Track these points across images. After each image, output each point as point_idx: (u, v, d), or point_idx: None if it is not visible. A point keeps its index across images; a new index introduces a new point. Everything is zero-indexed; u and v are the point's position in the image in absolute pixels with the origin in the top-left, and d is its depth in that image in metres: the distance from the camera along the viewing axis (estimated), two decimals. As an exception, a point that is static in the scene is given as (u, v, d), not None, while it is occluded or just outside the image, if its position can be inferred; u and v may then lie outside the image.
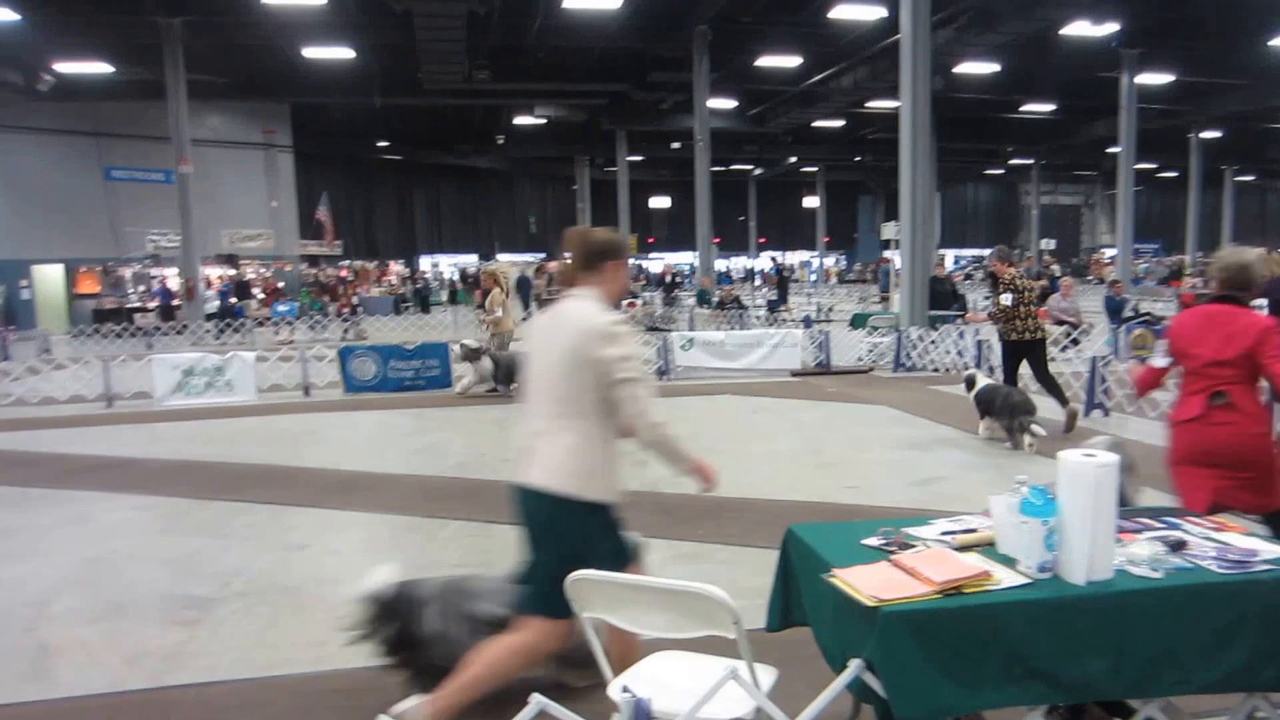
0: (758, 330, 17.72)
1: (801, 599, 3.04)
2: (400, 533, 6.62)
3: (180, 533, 6.74)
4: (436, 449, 9.56)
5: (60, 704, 4.14)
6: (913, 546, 2.82)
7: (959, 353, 14.13)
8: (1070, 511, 2.56)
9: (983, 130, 40.01)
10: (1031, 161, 49.50)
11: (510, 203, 52.87)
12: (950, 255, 31.19)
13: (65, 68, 25.51)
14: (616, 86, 31.17)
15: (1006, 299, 9.78)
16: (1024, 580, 2.55)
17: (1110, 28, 23.99)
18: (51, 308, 28.91)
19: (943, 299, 16.09)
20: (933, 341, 14.38)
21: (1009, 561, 2.66)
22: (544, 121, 37.66)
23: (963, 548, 2.80)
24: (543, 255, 49.89)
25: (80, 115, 29.03)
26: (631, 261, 42.51)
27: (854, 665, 2.45)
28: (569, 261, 3.39)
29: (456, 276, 44.35)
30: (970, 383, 9.62)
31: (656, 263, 52.15)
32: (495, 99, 33.18)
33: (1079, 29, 23.58)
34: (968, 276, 42.32)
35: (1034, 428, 8.76)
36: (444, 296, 39.18)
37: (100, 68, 25.18)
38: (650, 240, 54.71)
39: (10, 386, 14.11)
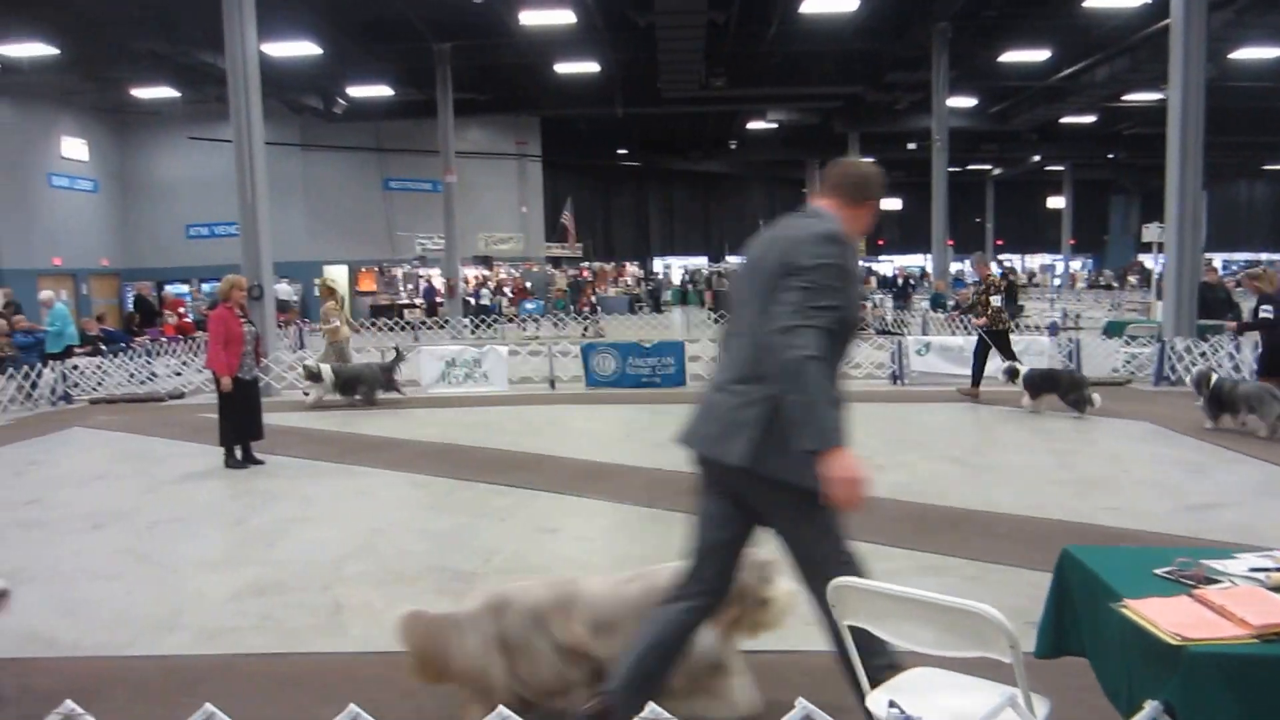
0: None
1: (1079, 627, 2.76)
2: (642, 522, 6.70)
3: (446, 510, 7.15)
4: (674, 444, 9.60)
5: (350, 657, 4.49)
6: (1217, 582, 2.48)
7: (1235, 366, 12.36)
8: None
9: (1261, 121, 35.67)
10: (1323, 154, 43.70)
11: (740, 206, 52.84)
12: (1218, 259, 28.11)
13: (355, 92, 27.96)
14: (850, 88, 30.37)
15: (997, 300, 12.15)
16: (1364, 631, 2.17)
17: None
18: (337, 303, 31.79)
19: (1215, 307, 14.43)
20: (1202, 353, 12.88)
21: (1341, 607, 2.28)
22: (775, 126, 37.37)
23: (1280, 588, 2.44)
24: (772, 258, 49.53)
25: (364, 133, 31.77)
26: (861, 264, 41.69)
27: (1150, 707, 2.17)
28: None
29: (687, 278, 44.93)
30: (1013, 373, 11.45)
31: (886, 265, 50.64)
32: (729, 105, 33.23)
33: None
34: (1239, 283, 37.92)
35: (1094, 396, 10.71)
36: (669, 296, 39.80)
37: (383, 91, 27.42)
38: (881, 242, 53.06)
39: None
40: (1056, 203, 51.21)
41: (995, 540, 5.98)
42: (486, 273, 33.57)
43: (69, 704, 2.35)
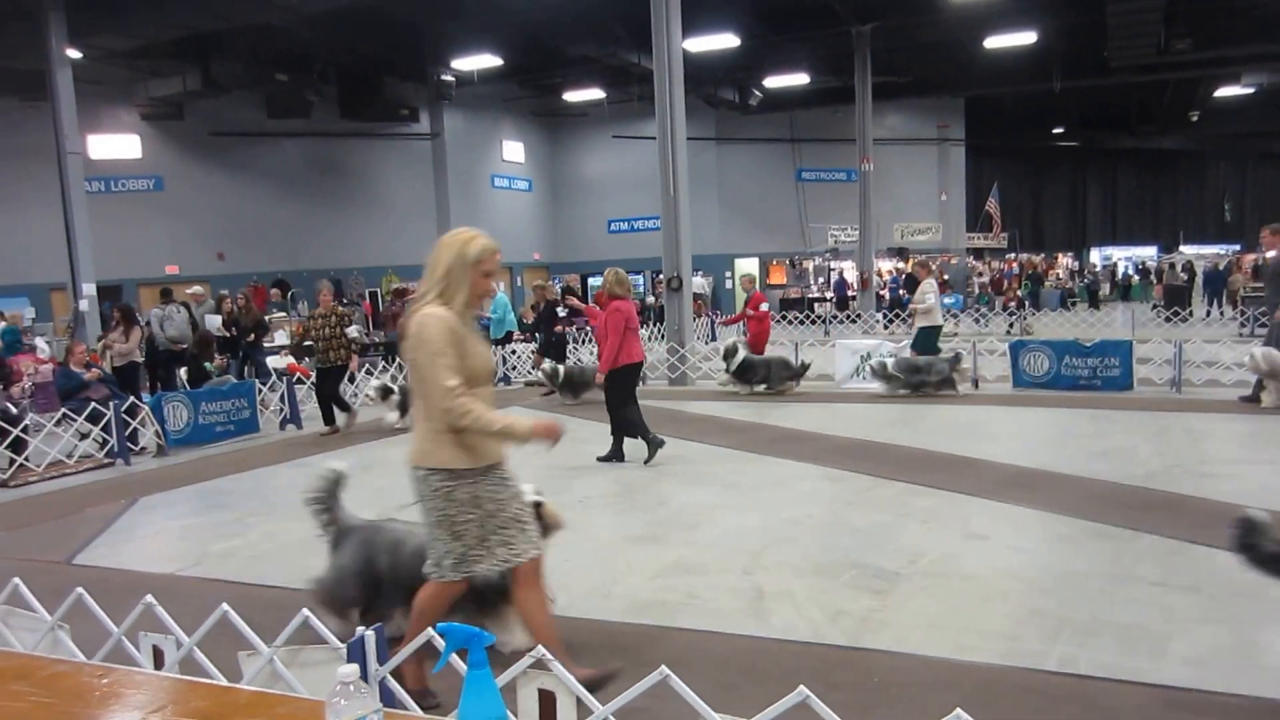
0: None
1: None
2: (1086, 538, 6.19)
3: (865, 507, 7.14)
4: (1120, 454, 8.79)
5: (775, 643, 4.63)
6: None
7: None
8: None
9: None
10: None
11: (1200, 187, 46.85)
12: None
13: (770, 82, 28.87)
14: (1365, 33, 25.58)
15: (354, 331, 13.37)
16: None
17: None
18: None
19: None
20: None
21: None
22: (1253, 90, 32.58)
23: None
24: (1236, 247, 43.42)
25: (778, 124, 32.72)
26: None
27: None
28: None
29: (1132, 270, 40.87)
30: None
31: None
32: (1193, 70, 29.53)
33: None
34: None
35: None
36: (1107, 290, 36.41)
37: (798, 79, 28.02)
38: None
39: (719, 363, 16.43)
40: None
41: None
42: (902, 265, 32.99)
43: (540, 648, 2.68)
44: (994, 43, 24.63)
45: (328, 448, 10.95)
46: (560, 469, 9.04)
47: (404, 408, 11.89)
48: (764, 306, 15.04)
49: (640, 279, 32.65)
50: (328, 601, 4.59)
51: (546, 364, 14.19)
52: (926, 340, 13.73)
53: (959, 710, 2.25)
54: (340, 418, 12.00)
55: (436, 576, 3.86)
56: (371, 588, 4.57)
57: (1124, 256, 45.39)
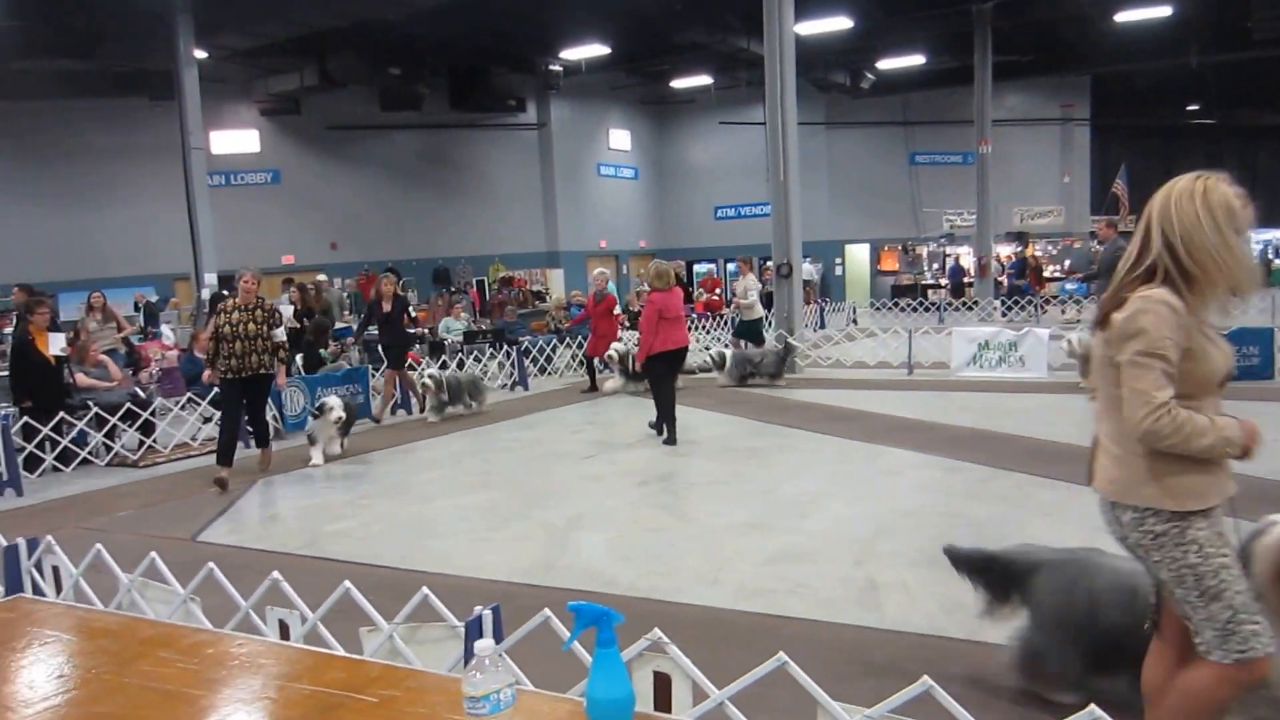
0: None
1: None
2: (1223, 537, 5.91)
3: (983, 498, 6.98)
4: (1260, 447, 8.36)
5: (887, 634, 4.59)
6: None
7: None
8: None
9: None
10: None
11: (1353, 167, 43.98)
12: None
13: (884, 64, 28.23)
14: None
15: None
16: None
17: None
18: (857, 282, 32.60)
19: None
20: None
21: None
22: None
23: None
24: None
25: (890, 107, 32.00)
26: None
27: None
28: None
29: (1271, 253, 38.69)
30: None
31: None
32: (1349, 38, 27.74)
33: None
34: None
35: None
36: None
37: (914, 61, 27.33)
38: None
39: (829, 350, 16.41)
40: None
41: None
42: (1020, 249, 31.93)
43: (656, 631, 2.71)
44: (1125, 16, 23.55)
45: (439, 432, 11.23)
46: (667, 455, 9.12)
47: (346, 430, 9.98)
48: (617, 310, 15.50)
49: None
50: (1039, 668, 3.82)
51: (429, 378, 12.17)
52: (749, 331, 15.38)
53: (1093, 706, 2.19)
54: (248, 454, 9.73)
55: (1221, 657, 2.74)
56: (1094, 647, 3.65)
57: (1263, 239, 43.00)
